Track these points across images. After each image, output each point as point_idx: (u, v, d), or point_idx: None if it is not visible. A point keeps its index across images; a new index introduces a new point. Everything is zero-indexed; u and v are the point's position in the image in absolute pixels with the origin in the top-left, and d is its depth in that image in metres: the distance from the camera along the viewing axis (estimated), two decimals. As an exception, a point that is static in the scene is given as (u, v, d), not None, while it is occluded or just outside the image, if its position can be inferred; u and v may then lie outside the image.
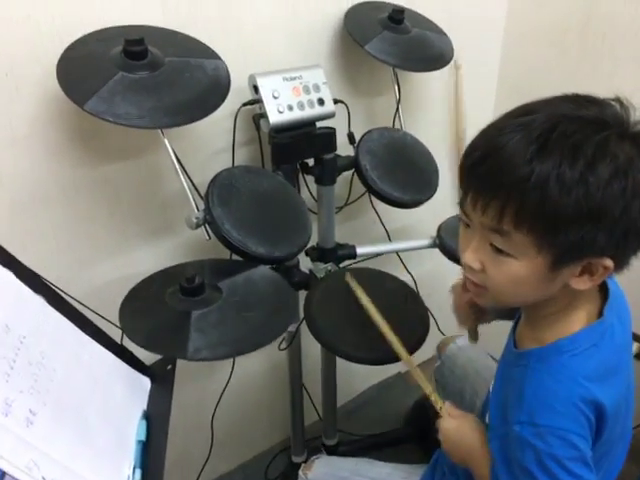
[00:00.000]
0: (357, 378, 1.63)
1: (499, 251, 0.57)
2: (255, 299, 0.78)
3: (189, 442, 1.28)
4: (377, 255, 1.22)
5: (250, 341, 0.70)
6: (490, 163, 0.54)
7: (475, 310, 0.79)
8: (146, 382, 0.72)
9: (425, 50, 1.11)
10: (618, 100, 0.55)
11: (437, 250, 1.18)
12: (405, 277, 1.30)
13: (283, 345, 1.21)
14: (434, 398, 0.76)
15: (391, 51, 1.07)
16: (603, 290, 0.65)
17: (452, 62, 1.16)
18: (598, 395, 0.57)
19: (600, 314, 0.63)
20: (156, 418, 0.67)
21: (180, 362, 1.18)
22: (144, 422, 0.66)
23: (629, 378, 0.66)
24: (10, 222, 0.91)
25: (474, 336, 0.84)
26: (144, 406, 0.69)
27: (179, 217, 0.95)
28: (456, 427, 0.72)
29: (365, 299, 0.86)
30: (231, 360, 1.18)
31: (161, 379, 0.72)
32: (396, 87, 1.17)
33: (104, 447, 0.59)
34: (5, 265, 0.61)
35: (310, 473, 0.94)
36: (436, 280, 1.52)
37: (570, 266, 0.56)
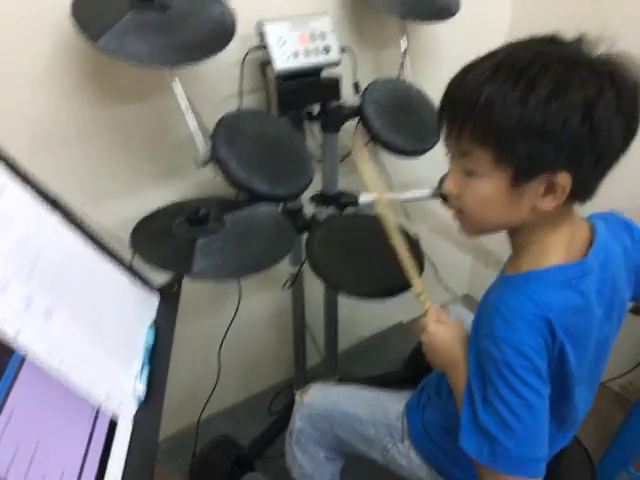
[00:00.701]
0: (359, 325, 1.70)
1: (469, 173, 0.63)
2: (256, 231, 0.84)
3: (197, 375, 1.37)
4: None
5: (249, 266, 0.77)
6: (454, 93, 0.62)
7: None
8: (154, 299, 0.79)
9: (431, 1, 1.13)
10: (581, 38, 0.59)
11: (439, 206, 1.21)
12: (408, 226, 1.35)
13: (287, 286, 1.27)
14: (423, 297, 0.78)
15: (398, 0, 1.09)
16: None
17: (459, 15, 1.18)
18: (553, 321, 0.61)
19: None
20: (163, 328, 0.74)
21: (189, 297, 1.26)
22: (152, 330, 0.73)
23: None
24: (29, 160, 0.96)
25: None
26: (153, 317, 0.76)
27: (189, 159, 1.00)
28: (442, 333, 0.74)
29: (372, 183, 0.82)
30: (237, 297, 1.25)
31: (168, 297, 0.79)
32: (404, 38, 1.19)
33: (115, 346, 0.67)
34: (22, 183, 0.67)
35: (305, 397, 1.02)
36: (438, 234, 1.57)
37: (530, 184, 0.60)
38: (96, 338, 0.65)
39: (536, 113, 0.56)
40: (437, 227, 1.55)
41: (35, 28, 0.87)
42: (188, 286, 1.24)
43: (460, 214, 0.68)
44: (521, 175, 0.60)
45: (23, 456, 0.48)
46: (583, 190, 0.61)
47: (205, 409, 1.39)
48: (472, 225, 0.68)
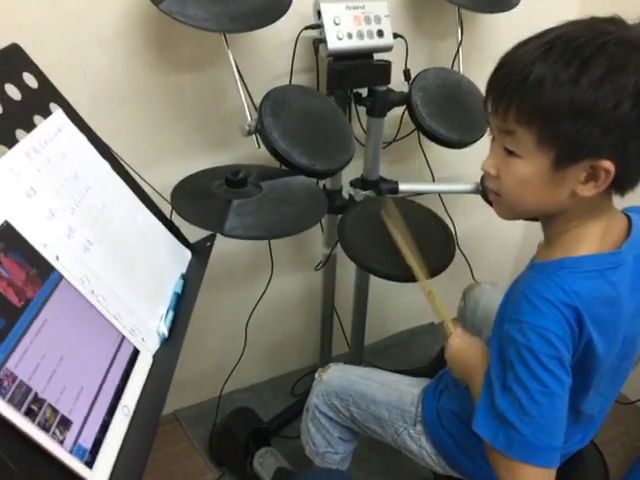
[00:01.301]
0: (389, 320, 1.69)
1: (510, 153, 0.62)
2: (290, 199, 0.86)
3: (225, 347, 1.41)
4: (419, 194, 1.26)
5: (277, 229, 0.79)
6: (503, 70, 0.61)
7: None
8: (187, 253, 0.83)
9: (491, -9, 1.12)
10: None
11: (481, 203, 1.20)
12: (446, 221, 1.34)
13: (319, 267, 1.29)
14: (447, 324, 0.82)
15: (456, -10, 1.09)
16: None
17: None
18: (582, 311, 0.60)
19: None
20: (191, 281, 0.77)
21: (224, 269, 1.30)
22: (182, 281, 0.76)
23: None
24: (89, 115, 1.02)
25: None
26: (183, 270, 0.79)
27: (238, 131, 1.04)
28: (460, 344, 0.79)
29: (392, 224, 0.92)
30: (269, 273, 1.28)
31: (200, 254, 0.82)
32: (459, 29, 1.19)
33: (145, 288, 0.70)
34: (81, 130, 0.72)
35: (325, 375, 1.03)
36: (476, 232, 1.55)
37: (572, 168, 0.59)
38: (128, 277, 0.68)
39: (587, 94, 0.55)
40: (477, 226, 1.53)
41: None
42: (223, 258, 1.29)
43: (496, 196, 0.67)
44: (564, 158, 0.58)
45: (47, 367, 0.52)
46: (625, 180, 0.60)
47: (230, 384, 1.42)
48: (508, 208, 0.68)
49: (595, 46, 0.55)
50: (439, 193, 1.33)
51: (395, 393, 0.93)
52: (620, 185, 0.61)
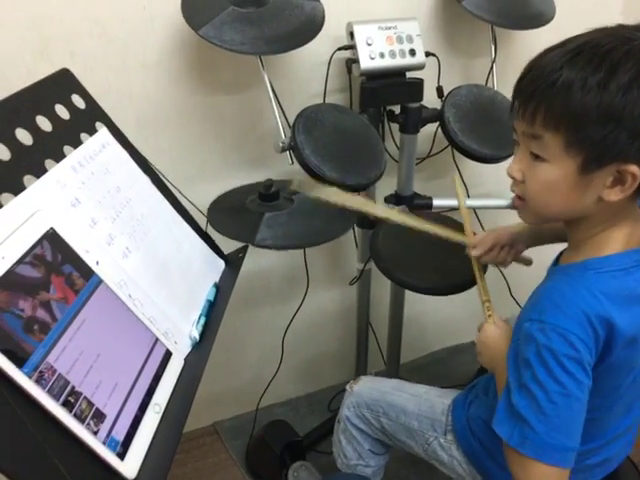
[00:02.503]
0: (427, 337, 1.68)
1: (536, 157, 0.62)
2: (320, 211, 0.89)
3: (262, 361, 1.44)
4: (453, 209, 1.26)
5: (307, 239, 0.82)
6: (530, 75, 0.61)
7: (507, 247, 0.88)
8: (221, 263, 0.87)
9: (523, 8, 1.13)
10: None
11: (516, 217, 1.19)
12: (482, 237, 1.33)
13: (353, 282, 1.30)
14: (488, 305, 0.82)
15: (487, 7, 1.11)
16: None
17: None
18: (611, 312, 0.59)
19: None
20: (223, 289, 0.81)
21: (261, 283, 1.34)
22: (214, 289, 0.80)
23: None
24: (136, 135, 1.08)
25: (526, 261, 0.91)
26: (217, 279, 0.83)
27: (273, 150, 1.08)
28: (493, 332, 0.77)
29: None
30: (304, 288, 1.30)
31: (233, 264, 0.86)
32: (493, 46, 1.20)
33: (179, 294, 0.74)
34: (123, 146, 0.77)
35: (356, 386, 1.04)
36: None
37: (599, 173, 0.59)
38: (163, 283, 0.72)
39: (615, 99, 0.55)
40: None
41: (153, 19, 1.00)
42: (260, 273, 1.33)
43: (521, 201, 0.68)
44: (591, 162, 0.59)
45: (85, 362, 0.56)
46: None
47: (268, 398, 1.44)
48: (533, 213, 0.68)
49: (623, 51, 0.56)
50: (474, 209, 1.32)
51: (425, 403, 0.93)
52: None
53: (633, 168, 0.57)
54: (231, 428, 1.48)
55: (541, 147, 0.61)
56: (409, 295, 1.33)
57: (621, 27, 0.60)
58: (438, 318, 1.61)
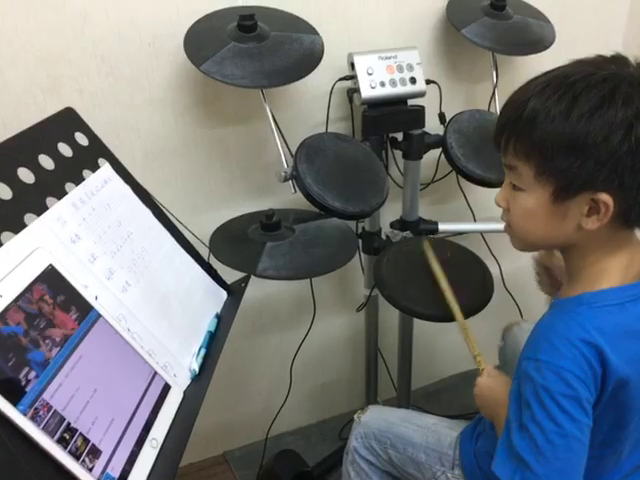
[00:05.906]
0: (439, 363, 1.65)
1: (515, 187, 0.64)
2: (322, 240, 0.90)
3: (271, 389, 1.43)
4: (460, 234, 1.26)
5: (309, 269, 0.82)
6: (504, 107, 0.63)
7: (550, 276, 0.85)
8: (223, 294, 0.87)
9: (523, 35, 1.14)
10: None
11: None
12: (490, 261, 1.32)
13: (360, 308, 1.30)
14: (479, 359, 0.82)
15: (488, 35, 1.12)
16: None
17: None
18: (604, 348, 0.58)
19: None
20: (225, 320, 0.81)
21: (268, 312, 1.34)
22: (216, 320, 0.80)
23: None
24: (143, 168, 1.12)
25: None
26: (218, 310, 0.83)
27: (276, 179, 1.09)
28: (489, 383, 0.78)
29: (432, 257, 0.94)
30: (311, 315, 1.30)
31: (235, 294, 0.86)
32: (494, 71, 1.21)
33: (180, 326, 0.75)
34: (125, 180, 0.79)
35: (363, 416, 1.02)
36: (524, 272, 1.50)
37: (572, 201, 0.59)
38: (163, 316, 0.73)
39: (577, 128, 0.56)
40: (524, 266, 1.48)
41: (158, 56, 1.03)
42: (268, 299, 1.33)
43: (509, 228, 0.68)
44: (561, 191, 0.59)
45: (81, 398, 0.56)
46: (632, 213, 0.59)
47: (278, 426, 1.43)
48: (519, 239, 0.69)
49: (586, 82, 0.56)
50: (480, 233, 1.32)
51: (433, 436, 0.91)
52: (627, 218, 0.60)
53: (604, 197, 0.57)
54: (241, 457, 1.47)
55: (517, 177, 0.62)
56: (418, 320, 1.31)
57: (599, 58, 0.61)
58: (447, 343, 1.58)
